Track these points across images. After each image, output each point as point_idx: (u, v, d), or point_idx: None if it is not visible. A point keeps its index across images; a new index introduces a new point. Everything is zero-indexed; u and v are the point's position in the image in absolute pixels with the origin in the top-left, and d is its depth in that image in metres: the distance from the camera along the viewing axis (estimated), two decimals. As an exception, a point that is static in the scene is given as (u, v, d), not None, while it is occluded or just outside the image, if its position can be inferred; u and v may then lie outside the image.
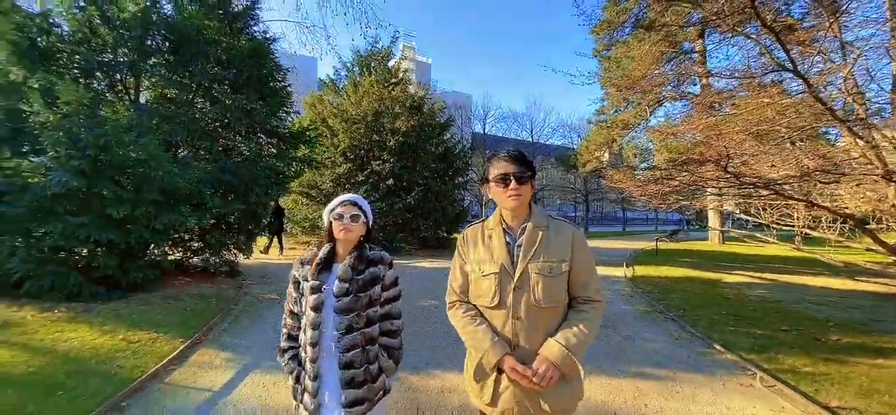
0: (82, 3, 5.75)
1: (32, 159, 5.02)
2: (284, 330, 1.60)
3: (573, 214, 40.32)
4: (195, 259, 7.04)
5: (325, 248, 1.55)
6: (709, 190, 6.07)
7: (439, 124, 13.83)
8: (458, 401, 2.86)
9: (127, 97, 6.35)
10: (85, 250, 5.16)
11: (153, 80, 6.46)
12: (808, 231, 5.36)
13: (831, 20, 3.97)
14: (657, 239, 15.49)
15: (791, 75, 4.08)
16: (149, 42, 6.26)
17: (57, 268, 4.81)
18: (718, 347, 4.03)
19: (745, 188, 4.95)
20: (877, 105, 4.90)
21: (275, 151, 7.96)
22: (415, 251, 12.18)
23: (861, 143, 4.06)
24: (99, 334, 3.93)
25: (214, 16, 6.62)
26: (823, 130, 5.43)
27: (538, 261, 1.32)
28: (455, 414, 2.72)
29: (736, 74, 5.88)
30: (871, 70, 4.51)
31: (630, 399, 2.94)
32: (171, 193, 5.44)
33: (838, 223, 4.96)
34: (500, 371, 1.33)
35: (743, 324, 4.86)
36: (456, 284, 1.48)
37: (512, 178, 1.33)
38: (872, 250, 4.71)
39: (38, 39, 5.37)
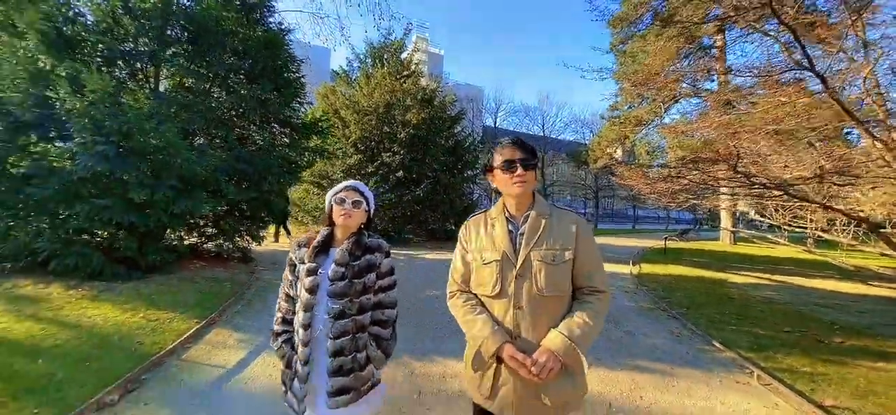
0: (105, -7, 5.94)
1: (58, 145, 5.27)
2: (279, 313, 1.56)
3: (583, 211, 40.03)
4: (209, 244, 7.30)
5: (324, 231, 1.54)
6: (722, 189, 6.01)
7: (450, 117, 13.89)
8: (459, 386, 2.98)
9: (147, 86, 6.56)
10: (106, 232, 5.42)
11: (172, 69, 6.65)
12: (820, 234, 5.29)
13: (854, 18, 3.89)
14: (666, 238, 15.31)
15: (811, 74, 4.02)
16: (169, 32, 6.45)
17: (81, 248, 5.07)
18: (718, 344, 4.06)
19: (756, 189, 4.91)
20: (900, 106, 4.77)
21: (288, 141, 8.13)
22: (423, 243, 12.34)
23: (879, 145, 3.99)
24: (120, 311, 4.16)
25: (232, 6, 6.77)
26: (846, 130, 5.32)
27: (541, 248, 1.30)
28: (455, 398, 2.84)
29: (753, 72, 5.78)
30: (894, 70, 4.40)
31: (626, 391, 3.02)
32: (189, 179, 5.65)
33: (852, 226, 4.89)
34: (499, 362, 1.29)
35: (745, 323, 4.87)
36: (457, 273, 1.46)
37: (518, 164, 1.32)
38: (886, 255, 4.64)
39: (64, 28, 5.59)
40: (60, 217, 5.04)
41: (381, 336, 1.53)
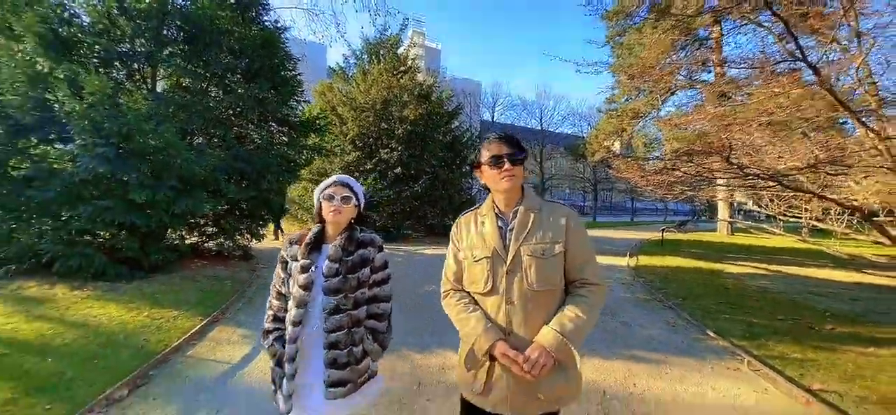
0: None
1: (58, 147, 5.31)
2: (270, 311, 1.55)
3: (581, 204, 40.13)
4: (210, 243, 7.36)
5: (315, 228, 1.53)
6: (717, 181, 6.07)
7: (447, 113, 13.92)
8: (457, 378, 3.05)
9: (144, 86, 6.58)
10: (108, 233, 5.48)
11: (169, 69, 6.67)
12: (815, 223, 5.36)
13: (847, 7, 3.92)
14: (663, 229, 15.39)
15: (805, 65, 4.05)
16: (165, 32, 6.46)
17: (84, 249, 5.13)
18: (711, 333, 4.15)
19: (750, 180, 4.97)
20: (894, 95, 4.81)
21: (286, 139, 8.18)
22: (422, 238, 12.41)
23: (871, 134, 4.05)
24: (125, 310, 4.23)
25: (227, 5, 6.78)
26: (842, 120, 5.35)
27: (530, 243, 1.29)
28: (453, 389, 2.91)
29: (747, 63, 5.83)
30: (888, 60, 4.44)
31: (620, 379, 3.10)
32: (189, 179, 5.71)
33: (846, 215, 4.96)
34: (492, 359, 1.29)
35: (739, 312, 4.96)
36: (450, 272, 1.46)
37: (505, 159, 1.30)
38: (879, 243, 4.71)
39: (60, 29, 5.60)
40: (63, 219, 5.10)
41: (377, 329, 1.55)
